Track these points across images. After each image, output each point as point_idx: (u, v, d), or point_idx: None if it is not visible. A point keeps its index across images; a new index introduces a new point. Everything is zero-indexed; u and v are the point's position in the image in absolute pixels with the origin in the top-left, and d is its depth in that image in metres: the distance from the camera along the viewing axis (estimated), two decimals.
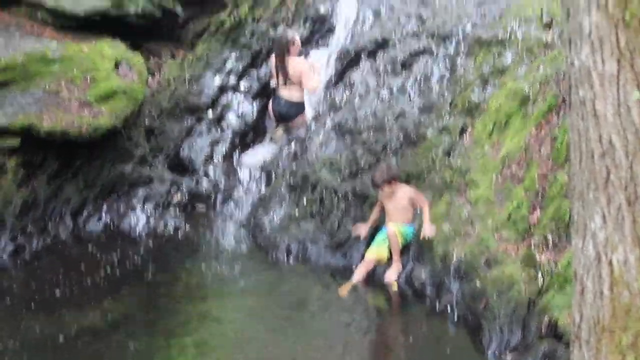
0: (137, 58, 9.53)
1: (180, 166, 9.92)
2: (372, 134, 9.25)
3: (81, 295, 7.63)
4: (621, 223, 3.25)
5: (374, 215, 8.48)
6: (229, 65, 10.48)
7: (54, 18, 9.12)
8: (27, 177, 8.48)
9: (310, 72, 10.04)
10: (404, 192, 8.22)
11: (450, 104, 9.16)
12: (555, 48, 8.82)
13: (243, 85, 10.55)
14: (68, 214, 8.88)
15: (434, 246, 7.75)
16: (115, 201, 9.28)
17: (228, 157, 10.18)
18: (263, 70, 10.63)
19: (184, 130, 9.99)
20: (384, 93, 9.72)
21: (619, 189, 3.23)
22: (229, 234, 9.32)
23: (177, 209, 9.51)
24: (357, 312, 7.66)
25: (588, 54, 3.23)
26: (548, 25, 9.32)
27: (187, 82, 10.11)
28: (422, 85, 9.59)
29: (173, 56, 10.32)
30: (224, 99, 10.39)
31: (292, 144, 9.91)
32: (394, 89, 9.69)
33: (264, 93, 10.58)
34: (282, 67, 10.07)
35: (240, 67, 10.52)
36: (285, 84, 10.11)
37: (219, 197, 9.85)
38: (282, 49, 10.08)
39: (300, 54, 10.23)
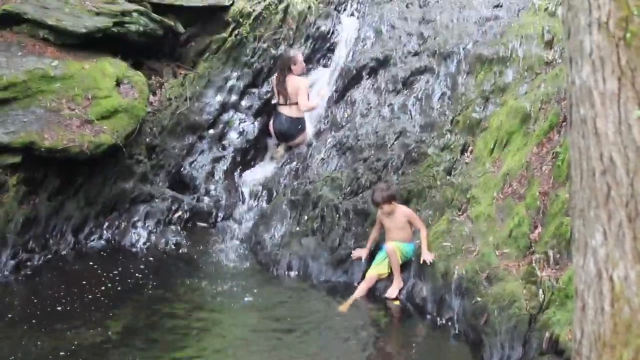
0: (138, 76, 9.55)
1: (182, 183, 9.94)
2: (373, 151, 9.29)
3: (82, 311, 7.62)
4: (622, 240, 3.25)
5: (373, 233, 8.50)
6: (230, 83, 10.49)
7: (55, 36, 9.14)
8: (28, 194, 8.49)
9: (306, 92, 10.08)
10: (401, 212, 8.26)
11: (452, 121, 9.21)
12: (557, 66, 8.86)
13: (244, 103, 10.56)
14: (69, 231, 8.88)
15: (435, 263, 7.76)
16: (116, 218, 9.30)
17: (229, 174, 10.20)
18: (264, 89, 10.66)
19: (185, 147, 10.01)
20: (385, 111, 9.76)
21: (620, 206, 3.24)
22: (230, 250, 9.31)
23: (178, 226, 9.52)
24: (358, 327, 7.65)
25: (589, 72, 3.25)
26: (549, 44, 9.38)
27: (188, 100, 10.12)
28: (423, 103, 9.64)
29: (174, 74, 10.32)
30: (225, 117, 10.41)
31: (294, 161, 9.94)
32: (395, 107, 9.74)
33: (265, 111, 10.62)
34: (282, 84, 10.11)
35: (242, 86, 10.53)
36: (285, 102, 10.15)
37: (220, 214, 9.87)
38: (283, 67, 10.14)
39: (302, 73, 10.26)
